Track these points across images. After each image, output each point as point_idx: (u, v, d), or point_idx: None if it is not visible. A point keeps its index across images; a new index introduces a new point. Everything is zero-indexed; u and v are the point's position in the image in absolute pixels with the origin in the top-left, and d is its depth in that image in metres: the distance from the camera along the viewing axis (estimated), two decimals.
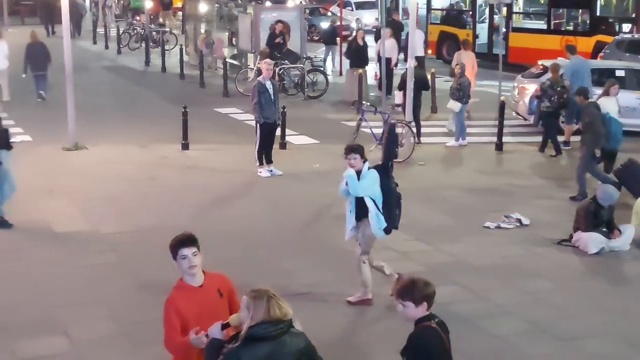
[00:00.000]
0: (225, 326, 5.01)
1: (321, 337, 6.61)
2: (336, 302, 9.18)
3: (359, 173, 8.74)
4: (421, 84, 17.82)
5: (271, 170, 14.84)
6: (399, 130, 16.51)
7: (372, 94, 22.56)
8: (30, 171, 14.34)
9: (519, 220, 12.24)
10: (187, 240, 5.43)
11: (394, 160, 12.83)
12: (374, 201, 8.73)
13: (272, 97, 14.65)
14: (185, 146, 16.42)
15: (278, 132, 15.79)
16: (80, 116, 16.81)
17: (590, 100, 13.99)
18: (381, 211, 8.79)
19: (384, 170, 9.05)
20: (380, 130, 16.41)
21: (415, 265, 10.41)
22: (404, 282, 5.13)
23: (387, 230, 8.97)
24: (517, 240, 11.53)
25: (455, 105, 17.49)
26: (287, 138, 17.06)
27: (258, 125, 14.73)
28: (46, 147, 16.35)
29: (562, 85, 16.54)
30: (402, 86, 17.75)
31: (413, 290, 5.02)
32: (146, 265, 10.11)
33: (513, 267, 10.46)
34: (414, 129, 16.85)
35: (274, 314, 4.60)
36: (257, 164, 14.84)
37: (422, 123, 17.91)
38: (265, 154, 14.87)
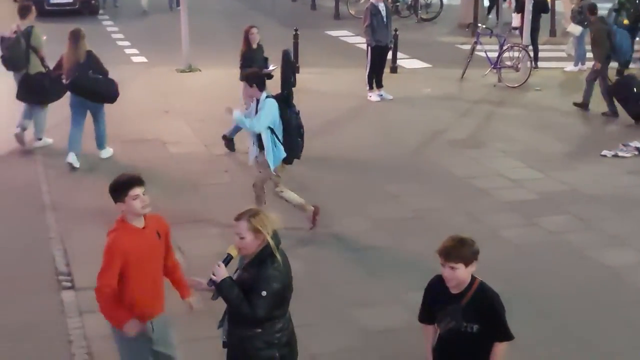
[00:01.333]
0: (228, 261, 4.84)
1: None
2: (443, 227, 9.11)
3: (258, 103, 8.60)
4: (540, 7, 17.18)
5: (381, 95, 14.72)
6: (515, 54, 16.07)
7: (490, 16, 21.94)
8: (145, 92, 14.72)
9: (638, 149, 11.80)
10: (137, 179, 5.11)
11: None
12: (272, 131, 8.55)
13: (385, 19, 14.44)
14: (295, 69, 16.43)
15: (389, 55, 15.59)
16: (193, 39, 17.02)
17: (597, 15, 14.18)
18: (281, 141, 8.62)
19: (283, 99, 8.83)
20: (495, 54, 16.00)
21: (527, 193, 10.22)
22: (450, 242, 4.77)
23: (288, 161, 8.80)
24: (635, 170, 11.14)
25: (575, 29, 16.86)
26: (398, 62, 16.85)
27: (369, 48, 14.57)
28: (161, 69, 16.68)
29: None
30: (520, 8, 17.15)
31: (462, 249, 4.74)
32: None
33: (629, 197, 10.12)
34: (531, 53, 16.32)
35: (276, 222, 4.80)
36: (367, 88, 14.75)
37: (540, 47, 17.33)
38: (375, 78, 14.75)
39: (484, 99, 15.09)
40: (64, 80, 10.90)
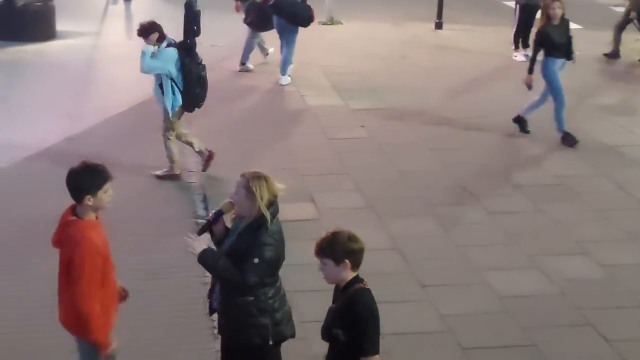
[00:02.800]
0: (218, 215, 4.70)
1: None
2: (587, 195, 8.75)
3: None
4: None
5: (527, 55, 14.21)
6: None
7: None
8: None
9: None
10: (109, 172, 4.50)
11: None
12: (172, 80, 8.68)
13: None
14: (438, 25, 16.13)
15: (538, 14, 15.00)
16: None
17: None
18: (180, 89, 8.75)
19: (185, 49, 8.83)
20: None
21: None
22: (325, 234, 4.30)
23: (187, 109, 8.97)
24: None
25: None
26: None
27: (518, 6, 14.12)
28: None
29: None
30: None
31: (331, 244, 4.26)
32: (394, 144, 10.16)
33: None
34: None
35: (276, 191, 4.65)
36: (513, 47, 14.30)
37: None
38: (522, 38, 14.27)
39: (636, 64, 14.33)
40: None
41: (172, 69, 8.69)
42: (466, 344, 6.02)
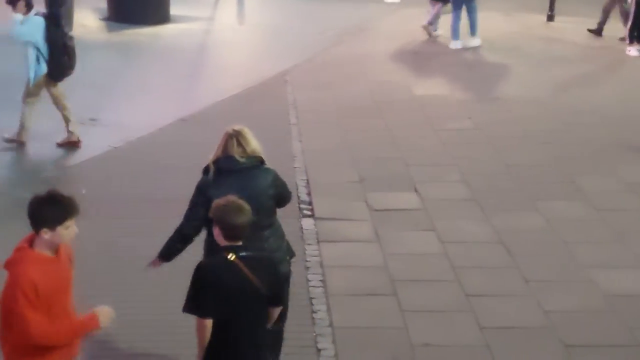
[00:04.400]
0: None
1: None
2: None
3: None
4: None
5: None
6: None
7: None
8: (395, 32, 14.77)
9: None
10: (77, 207, 4.07)
11: None
12: (38, 50, 8.97)
13: None
14: (550, 17, 15.80)
15: None
16: None
17: None
18: (46, 58, 9.00)
19: (51, 19, 9.19)
20: None
21: None
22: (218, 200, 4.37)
23: (54, 77, 9.16)
24: None
25: None
26: None
27: (635, 0, 13.65)
28: (411, 10, 16.62)
29: None
30: None
31: (216, 210, 4.33)
32: (500, 136, 10.07)
33: None
34: None
35: (229, 151, 5.01)
36: (628, 42, 13.88)
37: None
38: (638, 32, 13.82)
39: None
40: None
41: (39, 38, 9.04)
42: (569, 341, 5.96)
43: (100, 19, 15.31)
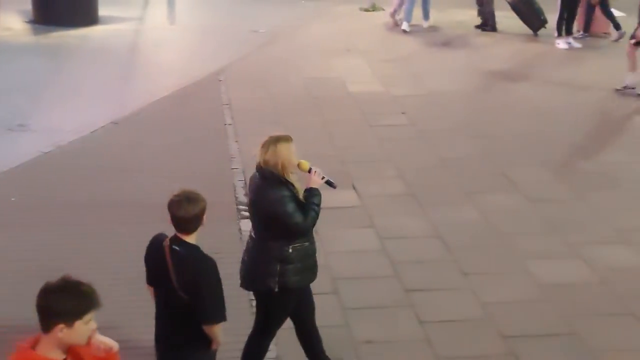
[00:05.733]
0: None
1: None
2: (630, 182, 8.71)
3: None
4: None
5: (570, 43, 14.11)
6: None
7: None
8: (328, 30, 14.82)
9: None
10: (98, 297, 3.36)
11: None
12: None
13: None
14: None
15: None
16: None
17: None
18: None
19: None
20: None
21: None
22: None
23: None
24: None
25: None
26: None
27: None
28: (345, 7, 16.71)
29: None
30: None
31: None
32: (434, 130, 10.18)
33: None
34: None
35: (259, 159, 5.10)
36: (556, 34, 14.17)
37: None
38: (565, 25, 14.13)
39: None
40: None
41: None
42: (507, 332, 6.06)
43: (25, 21, 14.95)
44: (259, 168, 5.09)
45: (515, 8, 14.85)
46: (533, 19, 14.70)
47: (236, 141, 9.68)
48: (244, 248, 5.35)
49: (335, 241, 7.39)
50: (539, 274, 6.86)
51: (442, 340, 5.94)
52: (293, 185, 5.04)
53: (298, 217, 4.97)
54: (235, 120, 10.37)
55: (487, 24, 15.01)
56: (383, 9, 16.45)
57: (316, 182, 5.13)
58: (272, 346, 5.64)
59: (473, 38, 14.70)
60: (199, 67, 12.43)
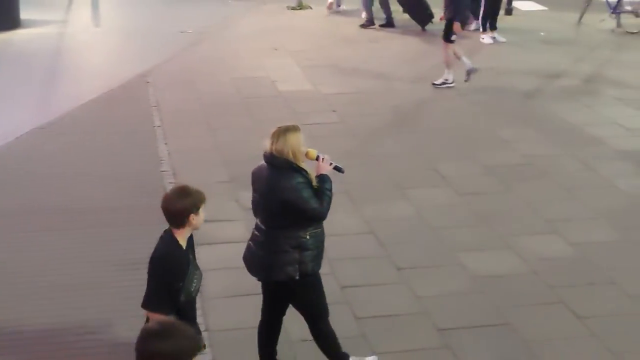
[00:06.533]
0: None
1: None
2: (555, 174, 8.91)
3: None
4: None
5: (494, 37, 14.36)
6: None
7: None
8: (256, 29, 14.78)
9: None
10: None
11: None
12: None
13: None
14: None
15: None
16: None
17: None
18: None
19: None
20: None
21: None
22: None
23: None
24: None
25: None
26: (513, 4, 16.38)
27: None
28: (272, 6, 16.70)
29: None
30: None
31: None
32: (364, 127, 10.24)
33: None
34: None
35: (268, 149, 5.11)
36: (481, 30, 14.40)
37: None
38: (490, 20, 14.38)
39: (601, 44, 14.54)
40: None
41: None
42: (442, 324, 6.13)
43: None
44: (269, 158, 5.11)
45: (402, 3, 15.06)
46: (421, 14, 14.94)
47: (165, 143, 9.58)
48: (249, 240, 5.32)
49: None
50: (471, 266, 6.96)
51: (377, 335, 5.98)
52: (307, 172, 5.12)
53: (315, 203, 5.03)
54: (164, 122, 10.26)
55: (373, 22, 15.19)
56: (310, 7, 16.51)
57: (325, 168, 5.23)
58: (207, 349, 5.60)
59: (400, 36, 14.84)
60: (126, 69, 12.28)
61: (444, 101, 11.29)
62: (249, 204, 7.88)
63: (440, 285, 6.69)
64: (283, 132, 5.11)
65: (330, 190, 5.16)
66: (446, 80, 11.81)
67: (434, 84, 11.82)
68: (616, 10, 15.32)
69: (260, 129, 10.17)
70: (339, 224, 7.65)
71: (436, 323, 6.15)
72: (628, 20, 15.35)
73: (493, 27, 14.42)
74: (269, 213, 5.15)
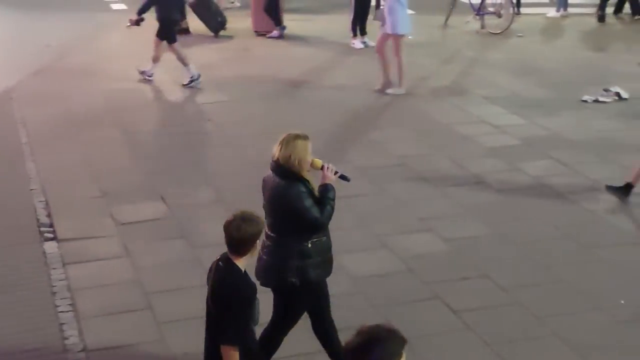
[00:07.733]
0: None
1: None
2: (427, 173, 9.13)
3: None
4: None
5: (365, 42, 14.61)
6: (497, 0, 15.97)
7: None
8: (125, 40, 14.51)
9: (618, 94, 11.81)
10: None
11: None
12: None
13: None
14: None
15: (373, 2, 15.42)
16: None
17: None
18: None
19: None
20: (479, 1, 15.86)
21: (510, 138, 10.23)
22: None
23: None
24: (615, 115, 11.17)
25: None
26: (382, 8, 16.63)
27: None
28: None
29: None
30: None
31: None
32: (240, 135, 10.22)
33: (609, 141, 10.15)
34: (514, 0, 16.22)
35: (275, 157, 5.14)
36: (351, 35, 14.62)
37: None
38: (360, 25, 14.62)
39: (466, 45, 15.02)
40: None
41: None
42: None
43: None
44: (274, 166, 5.12)
45: (194, 10, 15.17)
46: (212, 21, 15.16)
47: (33, 160, 9.28)
48: (260, 247, 5.17)
49: (146, 255, 7.26)
50: (351, 267, 7.03)
51: None
52: (309, 182, 5.15)
53: (315, 212, 5.10)
54: (31, 139, 9.94)
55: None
56: None
57: (330, 178, 5.30)
58: None
59: (270, 43, 14.89)
60: None
61: (317, 105, 11.38)
62: (123, 219, 7.87)
63: None
64: (292, 139, 5.17)
65: (334, 199, 5.25)
66: (192, 76, 11.97)
67: (184, 85, 11.99)
68: (480, 11, 15.86)
69: (132, 141, 10.02)
70: (217, 235, 7.56)
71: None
72: (491, 21, 15.93)
73: (363, 32, 14.65)
74: (273, 220, 5.20)
